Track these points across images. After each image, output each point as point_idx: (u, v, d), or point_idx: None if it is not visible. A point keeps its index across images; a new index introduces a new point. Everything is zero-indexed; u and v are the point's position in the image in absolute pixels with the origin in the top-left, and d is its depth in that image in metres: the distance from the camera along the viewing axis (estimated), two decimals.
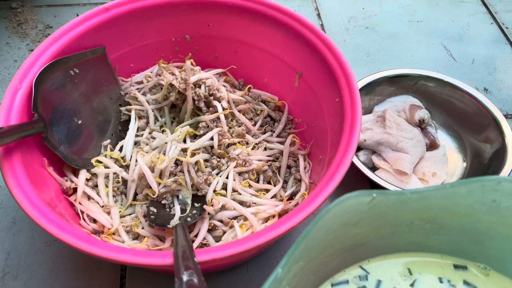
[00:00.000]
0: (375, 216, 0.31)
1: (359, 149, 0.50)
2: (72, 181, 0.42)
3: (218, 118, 0.45)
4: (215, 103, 0.45)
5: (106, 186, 0.42)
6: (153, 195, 0.41)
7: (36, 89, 0.38)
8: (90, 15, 0.45)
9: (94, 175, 0.43)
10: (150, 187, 0.41)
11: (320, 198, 0.33)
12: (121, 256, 0.30)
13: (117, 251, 0.30)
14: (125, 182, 0.43)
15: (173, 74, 0.47)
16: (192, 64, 0.46)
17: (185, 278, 0.27)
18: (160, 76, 0.49)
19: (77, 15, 0.65)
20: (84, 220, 0.40)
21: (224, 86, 0.50)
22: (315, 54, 0.44)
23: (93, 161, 0.43)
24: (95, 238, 0.33)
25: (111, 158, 0.44)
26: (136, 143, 0.45)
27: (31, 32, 0.62)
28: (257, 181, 0.45)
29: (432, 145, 0.49)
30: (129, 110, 0.47)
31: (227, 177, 0.43)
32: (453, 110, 0.52)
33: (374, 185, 0.46)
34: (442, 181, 0.47)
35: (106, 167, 0.43)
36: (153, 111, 0.46)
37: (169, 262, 0.30)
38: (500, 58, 0.62)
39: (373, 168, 0.49)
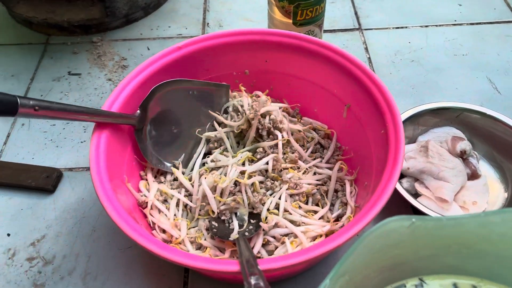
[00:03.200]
0: (414, 239, 0.35)
1: (402, 176, 0.54)
2: (146, 196, 0.48)
3: (275, 145, 0.51)
4: (277, 132, 0.51)
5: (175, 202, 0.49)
6: (213, 214, 0.47)
7: (152, 92, 0.49)
8: (165, 53, 0.52)
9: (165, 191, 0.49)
10: None
11: (364, 221, 0.38)
12: (197, 263, 0.35)
13: (193, 259, 0.35)
14: (190, 198, 0.49)
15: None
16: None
17: (253, 281, 0.32)
18: None
19: (148, 48, 0.74)
20: (155, 230, 0.46)
21: (283, 116, 0.55)
22: (363, 89, 0.49)
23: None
24: (172, 247, 0.39)
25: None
26: (204, 164, 0.52)
27: (108, 63, 0.71)
28: (306, 203, 0.50)
29: (473, 175, 0.52)
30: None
31: (279, 198, 0.48)
32: (495, 142, 0.55)
33: (416, 211, 0.49)
34: (483, 209, 0.50)
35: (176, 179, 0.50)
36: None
37: (237, 269, 0.35)
38: None
39: (416, 195, 0.52)
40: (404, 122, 0.56)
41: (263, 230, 0.45)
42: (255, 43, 0.55)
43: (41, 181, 0.55)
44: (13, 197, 0.55)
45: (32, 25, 0.77)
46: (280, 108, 0.55)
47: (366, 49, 0.71)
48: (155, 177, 0.52)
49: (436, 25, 0.75)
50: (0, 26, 0.78)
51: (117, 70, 0.70)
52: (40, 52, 0.74)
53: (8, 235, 0.52)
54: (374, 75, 0.48)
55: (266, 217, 0.46)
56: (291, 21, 0.60)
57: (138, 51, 0.73)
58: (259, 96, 0.56)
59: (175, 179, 0.52)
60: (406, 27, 0.75)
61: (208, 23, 0.78)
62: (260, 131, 0.51)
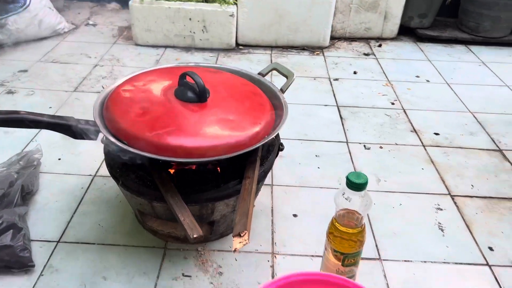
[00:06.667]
0: None
1: None
2: None
3: None
4: None
5: None
6: None
7: None
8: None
9: None
10: None
11: None
12: None
13: None
14: None
15: None
16: None
17: None
18: None
19: (236, 260, 1.07)
20: None
21: None
22: None
23: None
24: None
25: None
26: None
27: (210, 269, 1.04)
28: None
29: None
30: None
31: None
32: None
33: None
34: None
35: None
36: None
37: None
38: None
39: None
40: None
41: None
42: None
43: None
44: None
45: (156, 234, 1.12)
46: None
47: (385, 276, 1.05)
48: None
49: (432, 262, 1.10)
50: (132, 231, 1.14)
51: (216, 275, 1.02)
52: (161, 255, 1.07)
53: None
54: None
55: None
56: (340, 263, 0.94)
57: (229, 261, 1.06)
58: None
59: None
60: (410, 261, 1.10)
61: (275, 243, 1.13)
62: None
